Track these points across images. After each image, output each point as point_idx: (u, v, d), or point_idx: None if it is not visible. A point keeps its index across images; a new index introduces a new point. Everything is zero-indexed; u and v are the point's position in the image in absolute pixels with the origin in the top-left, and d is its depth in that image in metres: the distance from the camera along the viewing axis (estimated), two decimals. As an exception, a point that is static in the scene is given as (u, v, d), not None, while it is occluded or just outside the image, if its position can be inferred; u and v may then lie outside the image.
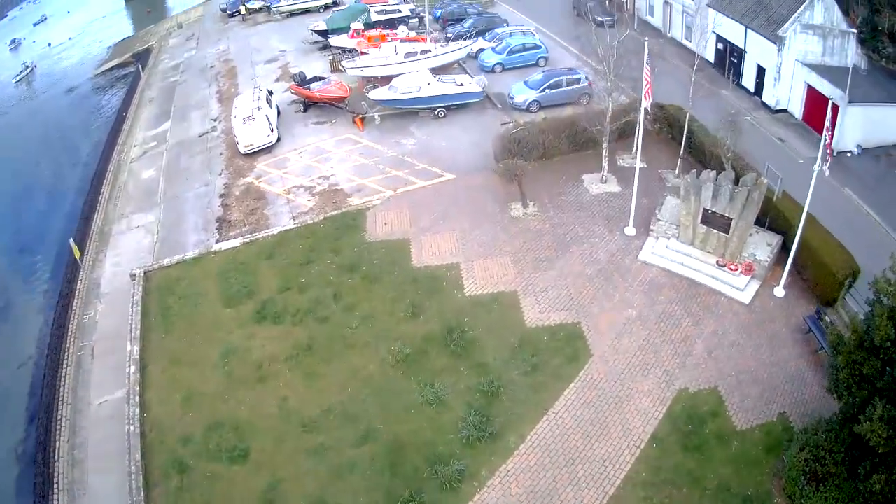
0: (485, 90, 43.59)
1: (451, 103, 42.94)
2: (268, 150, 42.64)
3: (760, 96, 47.27)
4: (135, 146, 49.88)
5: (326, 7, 69.95)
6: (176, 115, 53.20)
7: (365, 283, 30.71)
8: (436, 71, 45.66)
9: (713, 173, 29.52)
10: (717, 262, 29.83)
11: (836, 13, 46.28)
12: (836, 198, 33.91)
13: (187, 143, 47.41)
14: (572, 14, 62.26)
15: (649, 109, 32.26)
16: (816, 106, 43.35)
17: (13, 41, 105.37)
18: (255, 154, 42.44)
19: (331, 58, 53.52)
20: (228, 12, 76.94)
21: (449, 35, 54.08)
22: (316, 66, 54.18)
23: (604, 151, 35.17)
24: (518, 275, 30.35)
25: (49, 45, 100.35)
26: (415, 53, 45.45)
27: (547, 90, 42.96)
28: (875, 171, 37.90)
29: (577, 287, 29.51)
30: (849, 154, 40.24)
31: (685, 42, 55.60)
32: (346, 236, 33.63)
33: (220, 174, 41.78)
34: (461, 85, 43.05)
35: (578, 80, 43.63)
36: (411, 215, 34.56)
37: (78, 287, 34.12)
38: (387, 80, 44.49)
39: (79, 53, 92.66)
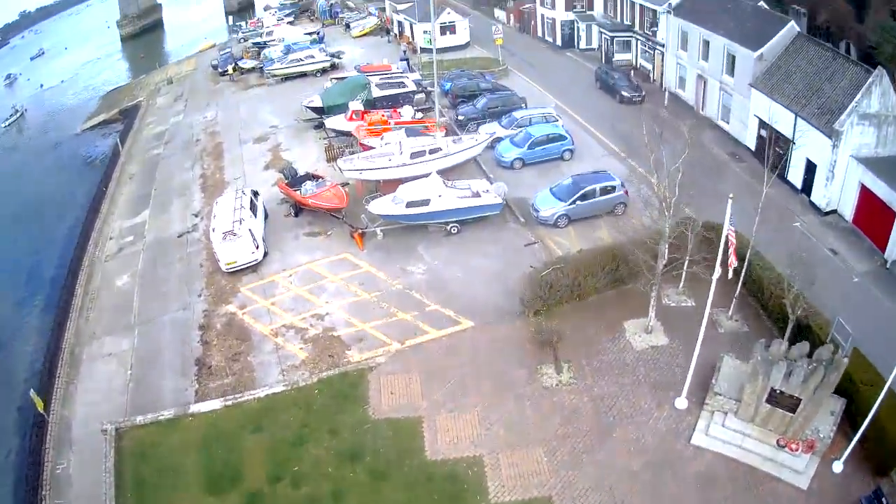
0: (504, 199, 37.87)
1: (466, 217, 37.17)
2: (253, 268, 37.03)
3: (809, 195, 42.14)
4: (111, 238, 44.92)
5: (324, 71, 64.49)
6: (156, 201, 48.13)
7: (371, 479, 25.11)
8: (447, 171, 40.05)
9: (784, 345, 24.59)
10: (778, 442, 25.33)
11: (892, 97, 41.20)
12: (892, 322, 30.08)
13: (165, 244, 42.09)
14: (595, 87, 57.22)
15: (730, 273, 26.73)
16: (870, 208, 38.94)
17: (8, 76, 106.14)
18: (238, 272, 36.90)
19: (326, 142, 47.88)
20: (220, 70, 71.65)
21: (460, 117, 48.55)
22: (310, 150, 48.79)
23: (652, 299, 29.36)
24: (553, 473, 24.69)
25: (41, 86, 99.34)
26: (423, 153, 39.45)
27: (578, 202, 37.24)
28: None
29: (622, 489, 24.02)
30: None
31: (721, 123, 50.89)
32: (345, 410, 27.89)
33: (200, 295, 36.22)
34: (477, 195, 37.22)
35: (614, 188, 37.99)
36: (423, 382, 28.80)
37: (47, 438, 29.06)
38: (391, 183, 38.94)
39: (70, 100, 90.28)
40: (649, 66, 58.53)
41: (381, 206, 36.83)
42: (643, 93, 54.10)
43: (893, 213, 36.71)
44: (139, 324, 35.02)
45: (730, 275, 26.53)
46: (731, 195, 23.92)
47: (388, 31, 78.47)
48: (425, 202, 36.06)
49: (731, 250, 25.04)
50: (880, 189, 38.15)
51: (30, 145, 73.71)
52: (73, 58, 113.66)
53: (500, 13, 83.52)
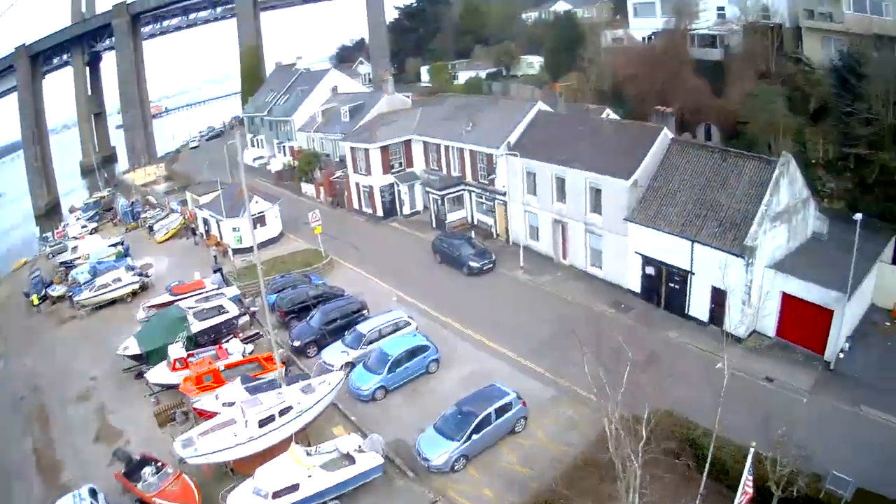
0: (384, 453, 30.72)
1: (345, 490, 29.54)
2: None
3: (720, 325, 37.90)
4: None
5: (134, 294, 55.47)
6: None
7: None
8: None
9: None
10: None
11: (800, 179, 40.23)
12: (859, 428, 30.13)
13: None
14: (435, 262, 51.06)
15: None
16: (796, 315, 36.89)
17: None
18: None
19: (154, 400, 38.97)
20: (31, 298, 60.72)
21: (295, 343, 41.15)
22: (139, 412, 39.06)
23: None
24: None
25: None
26: (272, 418, 31.46)
27: (472, 436, 30.27)
28: (879, 358, 35.48)
29: None
30: (841, 355, 35.76)
31: (592, 270, 46.52)
32: None
33: None
34: (350, 458, 29.80)
35: (510, 405, 31.58)
36: None
37: None
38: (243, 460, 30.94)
39: None
40: (489, 221, 53.71)
41: (241, 498, 28.60)
42: (492, 257, 48.92)
43: (827, 310, 35.21)
44: None
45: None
46: (752, 444, 22.13)
47: (193, 231, 69.30)
48: (294, 488, 28.17)
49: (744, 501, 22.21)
50: (809, 291, 36.24)
51: None
52: None
53: (307, 187, 76.25)
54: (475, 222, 55.20)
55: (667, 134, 43.29)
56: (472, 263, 47.98)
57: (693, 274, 39.74)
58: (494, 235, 52.67)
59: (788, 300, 37.57)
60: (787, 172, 38.55)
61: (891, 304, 41.17)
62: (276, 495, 28.05)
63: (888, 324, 40.65)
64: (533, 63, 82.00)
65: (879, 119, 47.31)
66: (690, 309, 40.65)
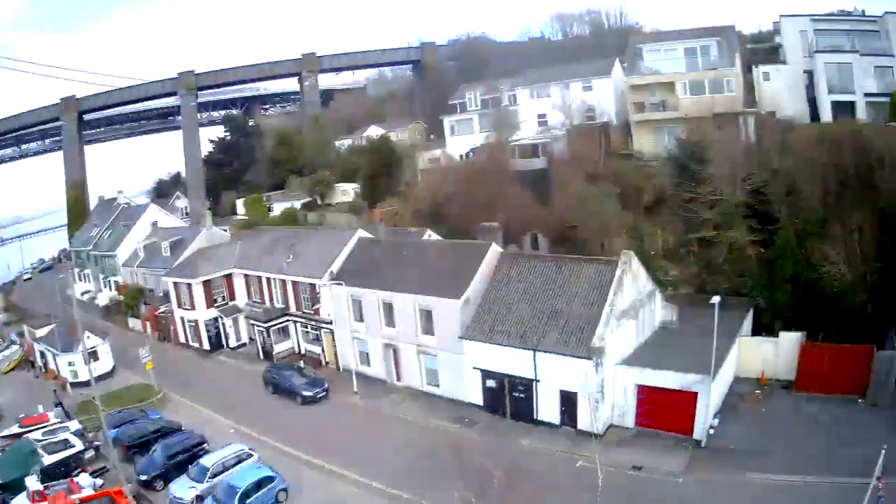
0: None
1: None
2: None
3: (574, 426, 38.14)
4: None
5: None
6: None
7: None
8: None
9: None
10: None
11: (642, 273, 40.56)
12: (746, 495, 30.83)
13: None
14: (267, 393, 47.42)
15: None
16: (656, 403, 36.89)
17: None
18: None
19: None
20: None
21: (142, 477, 38.32)
22: None
23: None
24: None
25: None
26: None
27: None
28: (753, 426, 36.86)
29: None
30: (711, 431, 36.17)
31: (430, 389, 44.10)
32: None
33: None
34: None
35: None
36: None
37: None
38: None
39: None
40: (318, 350, 50.46)
41: None
42: (325, 385, 45.76)
43: (691, 393, 35.64)
44: None
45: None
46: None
47: (32, 364, 64.11)
48: None
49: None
50: (667, 379, 36.47)
51: None
52: None
53: (134, 322, 71.78)
54: (303, 352, 52.06)
55: (495, 248, 42.48)
56: (306, 392, 45.43)
57: (538, 381, 38.48)
58: (324, 363, 49.54)
59: (647, 391, 37.29)
60: (630, 270, 38.54)
61: (755, 374, 42.13)
62: None
63: (758, 392, 41.49)
64: (347, 190, 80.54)
65: (725, 199, 47.87)
66: (539, 414, 39.24)
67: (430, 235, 52.11)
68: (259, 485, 34.50)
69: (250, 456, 37.87)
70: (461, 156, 73.72)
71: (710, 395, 35.58)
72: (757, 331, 45.72)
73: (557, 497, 30.13)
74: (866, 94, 59.23)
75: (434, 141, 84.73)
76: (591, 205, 52.41)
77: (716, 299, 33.02)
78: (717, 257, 47.46)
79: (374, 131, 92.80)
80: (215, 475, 36.07)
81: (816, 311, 43.72)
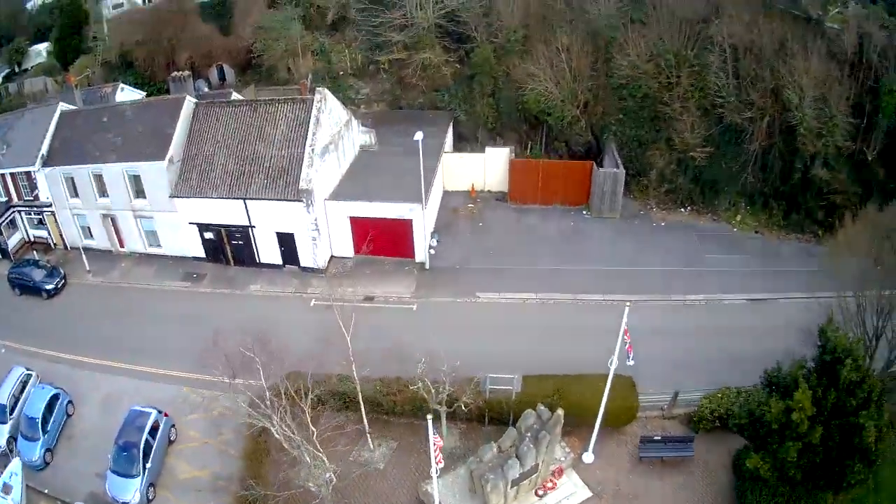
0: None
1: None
2: None
3: (297, 263, 41.04)
4: None
5: None
6: None
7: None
8: None
9: (494, 447, 26.91)
10: (536, 493, 27.38)
11: (338, 107, 42.52)
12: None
13: None
14: (15, 295, 43.62)
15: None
16: (369, 230, 39.25)
17: None
18: None
19: None
20: None
21: None
22: None
23: None
24: None
25: None
26: None
27: (147, 465, 29.69)
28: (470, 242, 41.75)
29: None
30: (432, 252, 40.40)
31: (153, 251, 44.80)
32: None
33: None
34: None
35: (157, 421, 31.25)
36: None
37: None
38: None
39: None
40: (44, 234, 48.41)
41: None
42: (62, 273, 43.98)
43: (406, 220, 38.53)
44: None
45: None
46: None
47: None
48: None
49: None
50: (379, 211, 39.18)
51: None
52: None
53: None
54: (32, 239, 49.30)
55: (189, 101, 41.88)
56: (48, 287, 43.04)
57: (254, 227, 40.02)
58: (53, 246, 47.66)
59: (361, 222, 39.59)
60: (325, 107, 39.30)
61: (465, 188, 45.59)
62: None
63: (471, 205, 44.99)
64: (41, 52, 74.49)
65: (416, 23, 48.22)
66: (261, 258, 41.33)
67: (122, 89, 50.19)
68: (50, 407, 33.58)
69: (30, 376, 35.82)
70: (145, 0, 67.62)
71: (425, 220, 38.26)
72: (460, 140, 48.82)
73: (304, 345, 28.06)
74: None
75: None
76: (273, 33, 52.65)
77: (419, 136, 34.90)
78: (409, 76, 48.55)
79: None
80: (12, 409, 34.07)
81: (527, 122, 47.13)
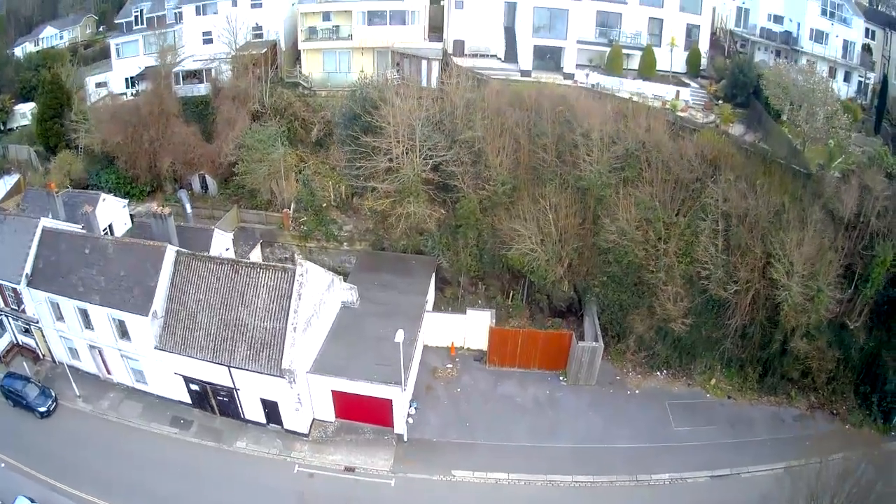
0: None
1: None
2: None
3: (281, 425, 41.60)
4: None
5: None
6: None
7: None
8: None
9: None
10: None
11: (321, 276, 42.37)
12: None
13: None
14: (8, 405, 44.34)
15: None
16: (350, 401, 40.47)
17: None
18: None
19: None
20: None
21: None
22: None
23: None
24: None
25: None
26: None
27: None
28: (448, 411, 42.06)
29: None
30: (410, 421, 41.13)
31: (140, 386, 45.05)
32: None
33: None
34: None
35: None
36: None
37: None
38: None
39: None
40: (32, 343, 48.80)
41: None
42: (54, 395, 44.36)
43: (386, 399, 39.26)
44: None
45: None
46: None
47: None
48: None
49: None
50: (360, 389, 39.56)
51: None
52: None
53: None
54: (21, 343, 49.65)
55: (171, 250, 41.15)
56: (41, 409, 43.56)
57: (238, 390, 40.54)
58: (41, 356, 48.15)
59: (343, 395, 40.41)
60: (307, 281, 38.89)
61: (445, 344, 46.17)
62: None
63: (450, 366, 45.46)
64: (26, 114, 69.90)
65: (402, 175, 46.54)
66: (246, 414, 41.89)
67: (104, 199, 49.14)
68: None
69: None
70: (129, 80, 64.48)
71: (404, 398, 39.34)
72: (443, 283, 48.75)
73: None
74: (580, 41, 56.47)
75: (101, 63, 73.48)
76: (257, 153, 51.15)
77: (400, 336, 36.38)
78: (393, 223, 47.26)
79: (49, 32, 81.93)
80: None
81: (510, 273, 47.14)
